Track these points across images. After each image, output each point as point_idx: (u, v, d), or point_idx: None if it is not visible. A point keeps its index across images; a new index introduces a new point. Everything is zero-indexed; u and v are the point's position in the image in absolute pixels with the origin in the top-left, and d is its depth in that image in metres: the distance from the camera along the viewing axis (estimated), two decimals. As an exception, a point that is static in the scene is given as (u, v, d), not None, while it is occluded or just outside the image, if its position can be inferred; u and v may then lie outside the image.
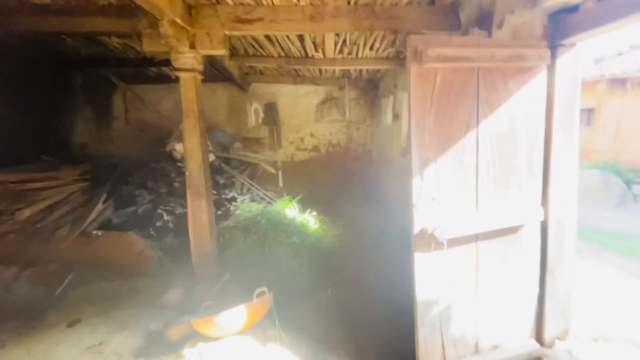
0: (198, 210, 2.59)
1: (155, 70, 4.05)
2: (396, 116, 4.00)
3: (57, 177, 3.31)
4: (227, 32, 2.44)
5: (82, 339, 2.05)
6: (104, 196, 3.48)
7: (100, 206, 3.35)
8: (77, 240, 3.00)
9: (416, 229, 1.51)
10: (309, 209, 3.74)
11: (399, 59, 3.55)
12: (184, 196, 3.74)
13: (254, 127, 5.03)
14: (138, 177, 3.88)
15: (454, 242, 1.54)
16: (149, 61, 3.61)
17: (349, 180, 5.05)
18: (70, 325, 2.27)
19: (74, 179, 3.48)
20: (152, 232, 3.48)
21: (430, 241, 1.51)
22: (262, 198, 3.94)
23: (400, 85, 3.79)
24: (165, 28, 2.15)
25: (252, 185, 4.24)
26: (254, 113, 5.00)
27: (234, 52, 3.54)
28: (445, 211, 1.54)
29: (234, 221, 3.23)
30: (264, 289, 2.02)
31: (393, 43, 3.14)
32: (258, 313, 1.95)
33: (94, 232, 3.07)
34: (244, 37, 3.03)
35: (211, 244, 2.65)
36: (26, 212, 2.87)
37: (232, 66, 3.91)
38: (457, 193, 1.57)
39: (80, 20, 2.40)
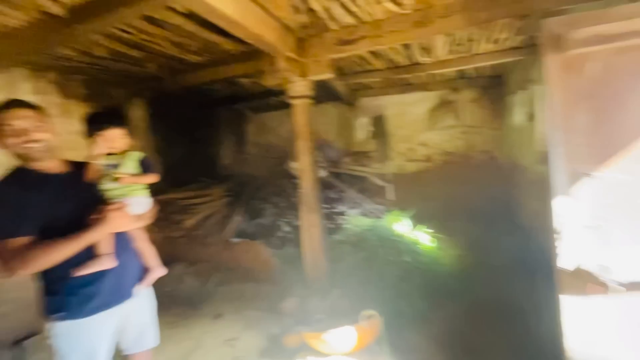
0: (310, 224, 2.76)
1: (276, 99, 4.65)
2: (530, 116, 3.30)
3: (210, 194, 4.16)
4: (333, 56, 2.56)
5: (221, 333, 2.45)
6: (240, 209, 4.16)
7: (237, 217, 4.02)
8: (221, 245, 3.67)
9: (565, 264, 1.16)
10: (423, 225, 3.46)
11: (531, 46, 2.94)
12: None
13: (363, 141, 5.09)
14: (264, 192, 4.48)
15: (632, 287, 1.11)
16: (270, 92, 4.17)
17: (469, 193, 4.44)
18: (215, 317, 2.76)
19: (220, 195, 4.29)
20: (274, 242, 3.93)
21: (587, 282, 1.14)
22: (371, 212, 3.91)
23: (535, 78, 3.11)
24: (280, 63, 2.42)
25: (361, 199, 4.27)
26: (362, 127, 5.07)
27: (341, 72, 3.70)
28: (612, 243, 1.14)
29: (344, 235, 3.30)
30: (373, 312, 1.95)
31: (521, 30, 2.63)
32: (367, 337, 1.89)
33: (233, 239, 3.69)
34: (348, 56, 3.12)
35: (322, 257, 2.77)
36: (190, 222, 3.71)
37: (339, 85, 4.09)
38: (634, 219, 1.13)
39: (223, 69, 2.98)
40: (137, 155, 1.48)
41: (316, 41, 2.51)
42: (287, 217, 4.20)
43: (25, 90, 2.69)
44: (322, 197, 3.15)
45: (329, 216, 4.01)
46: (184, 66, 3.08)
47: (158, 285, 1.71)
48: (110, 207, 1.24)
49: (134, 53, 2.53)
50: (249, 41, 2.06)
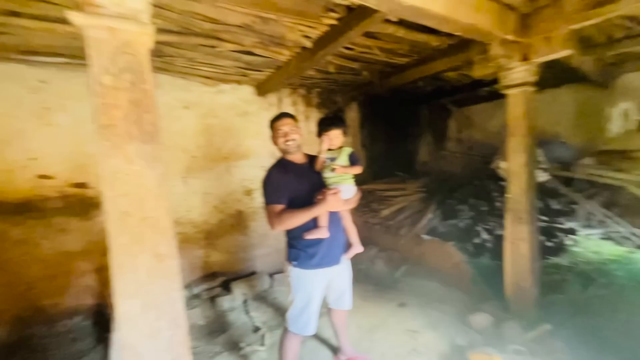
0: (517, 237, 2.33)
1: (485, 91, 4.13)
2: None
3: (405, 188, 4.34)
4: (575, 26, 1.98)
5: (404, 321, 2.57)
6: (433, 207, 4.08)
7: (430, 215, 3.98)
8: (412, 239, 3.78)
9: None
10: None
11: None
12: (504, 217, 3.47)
13: (620, 136, 3.61)
14: (462, 192, 4.14)
15: None
16: (478, 84, 3.75)
17: None
18: (400, 305, 2.92)
19: (415, 190, 4.38)
20: (468, 248, 3.59)
21: None
22: (623, 237, 2.74)
23: None
24: (495, 50, 2.15)
25: (607, 217, 3.08)
26: (622, 116, 3.58)
27: (588, 44, 2.78)
28: None
29: (569, 260, 2.53)
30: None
31: None
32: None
33: (423, 236, 3.71)
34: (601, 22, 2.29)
35: (530, 280, 2.28)
36: (385, 212, 4.06)
37: (585, 62, 3.08)
38: None
39: (429, 66, 3.00)
40: (348, 150, 1.82)
41: (549, 13, 2.03)
42: (487, 223, 3.70)
43: (286, 103, 3.85)
44: (539, 207, 2.55)
45: (548, 231, 3.18)
46: (392, 69, 3.35)
47: (355, 261, 2.04)
48: (329, 191, 1.61)
49: (354, 65, 3.02)
50: (459, 34, 1.97)
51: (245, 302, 3.13)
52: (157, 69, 2.86)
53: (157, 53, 2.48)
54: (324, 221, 1.67)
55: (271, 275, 3.49)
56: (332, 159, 1.79)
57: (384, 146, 5.14)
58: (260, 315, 2.89)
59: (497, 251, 3.30)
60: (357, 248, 1.93)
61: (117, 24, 0.85)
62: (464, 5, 1.81)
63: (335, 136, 1.80)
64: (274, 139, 1.82)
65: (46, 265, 2.65)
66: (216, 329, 2.72)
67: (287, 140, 1.76)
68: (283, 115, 1.86)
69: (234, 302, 3.07)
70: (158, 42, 2.25)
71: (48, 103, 2.62)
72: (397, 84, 3.65)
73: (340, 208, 1.70)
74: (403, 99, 5.05)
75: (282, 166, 1.77)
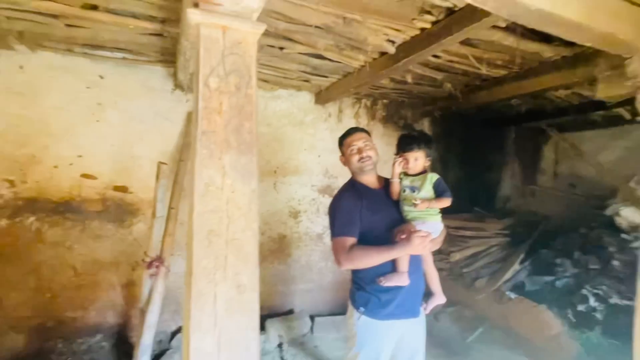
0: (656, 313, 2.04)
1: (602, 114, 3.84)
2: None
3: (483, 228, 4.11)
4: None
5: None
6: (521, 256, 3.79)
7: (516, 266, 3.69)
8: (492, 295, 3.52)
9: None
10: None
11: None
12: (625, 281, 3.13)
13: None
14: (561, 242, 3.82)
15: None
16: (595, 105, 3.50)
17: None
18: (477, 380, 2.68)
19: (496, 233, 4.12)
20: (568, 316, 3.24)
21: None
22: None
23: None
24: (636, 66, 2.00)
25: None
26: None
27: None
28: None
29: None
30: None
31: None
32: None
33: (508, 292, 3.43)
34: None
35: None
36: (457, 256, 3.85)
37: None
38: None
39: (534, 81, 2.87)
40: (433, 178, 1.75)
41: None
42: (599, 286, 3.33)
43: (347, 115, 3.91)
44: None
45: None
46: (481, 82, 3.26)
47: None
48: (415, 232, 1.55)
49: (438, 75, 3.00)
50: (589, 44, 1.87)
51: (280, 345, 3.09)
52: (215, 69, 3.07)
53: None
54: (404, 266, 1.61)
55: (312, 317, 3.42)
56: (413, 189, 1.74)
57: (458, 174, 4.96)
58: (298, 366, 2.83)
59: (612, 326, 2.94)
60: (439, 298, 1.83)
61: (232, 23, 0.92)
62: (602, 11, 1.71)
63: (415, 159, 1.76)
64: (346, 157, 1.82)
65: (75, 272, 2.85)
66: (246, 374, 2.70)
67: (361, 158, 1.76)
68: (355, 129, 1.88)
69: (267, 343, 3.05)
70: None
71: (101, 99, 2.92)
72: (484, 100, 3.55)
73: (426, 251, 1.62)
74: (486, 119, 4.88)
75: (354, 190, 1.76)
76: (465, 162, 5.07)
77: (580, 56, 2.48)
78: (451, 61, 2.71)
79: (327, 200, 3.80)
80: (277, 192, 3.60)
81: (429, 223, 1.65)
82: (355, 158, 1.76)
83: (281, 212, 3.63)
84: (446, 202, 1.69)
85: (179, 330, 3.06)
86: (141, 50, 2.76)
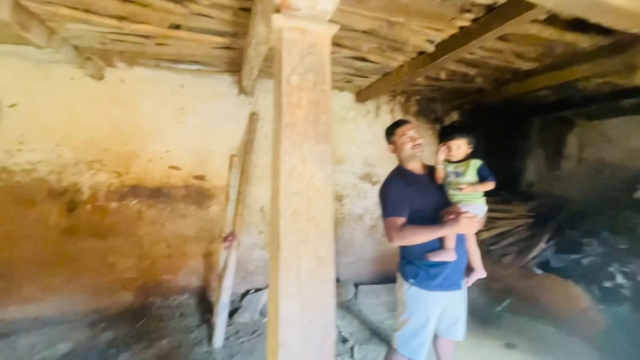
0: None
1: (632, 102, 3.38)
2: None
3: (509, 210, 3.83)
4: None
5: (520, 367, 2.20)
6: (546, 236, 3.49)
7: (542, 245, 3.41)
8: (518, 270, 3.29)
9: None
10: None
11: None
12: (658, 262, 2.78)
13: None
14: (589, 223, 3.46)
15: None
16: (624, 93, 3.10)
17: None
18: (507, 347, 2.54)
19: (521, 214, 3.83)
20: (594, 291, 2.95)
21: None
22: None
23: None
24: (683, 51, 1.71)
25: None
26: None
27: None
28: None
29: None
30: None
31: None
32: None
33: (535, 269, 3.18)
34: None
35: None
36: (484, 235, 3.62)
37: None
38: None
39: (563, 73, 2.58)
40: (477, 164, 1.63)
41: None
42: (626, 264, 2.99)
43: (383, 111, 3.77)
44: None
45: None
46: (511, 76, 2.98)
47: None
48: (463, 213, 1.44)
49: (470, 71, 2.77)
50: (637, 30, 1.61)
51: (329, 308, 3.11)
52: (271, 75, 3.06)
53: (270, 58, 2.64)
54: (451, 243, 1.52)
55: (356, 285, 3.40)
56: (457, 174, 1.62)
57: (487, 161, 4.65)
58: (346, 326, 2.82)
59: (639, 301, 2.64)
60: (480, 273, 1.71)
61: (309, 25, 0.87)
62: (652, -4, 1.46)
63: (457, 147, 1.64)
64: (397, 145, 1.73)
65: (167, 244, 3.03)
66: (304, 330, 2.74)
67: (414, 146, 1.66)
68: (406, 120, 1.78)
69: (319, 306, 3.07)
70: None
71: (183, 104, 3.02)
72: (513, 92, 3.25)
73: (472, 231, 1.52)
74: (513, 110, 4.50)
75: (402, 176, 1.67)
76: (491, 151, 4.69)
77: (618, 44, 2.17)
78: (485, 56, 2.49)
79: (367, 186, 3.72)
80: (324, 179, 3.57)
81: (474, 205, 1.54)
82: (409, 145, 1.67)
83: (328, 196, 3.60)
84: (490, 185, 1.56)
85: (247, 292, 3.16)
86: (213, 62, 2.81)
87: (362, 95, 3.53)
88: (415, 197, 1.58)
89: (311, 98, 0.90)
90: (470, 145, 1.69)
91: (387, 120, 3.77)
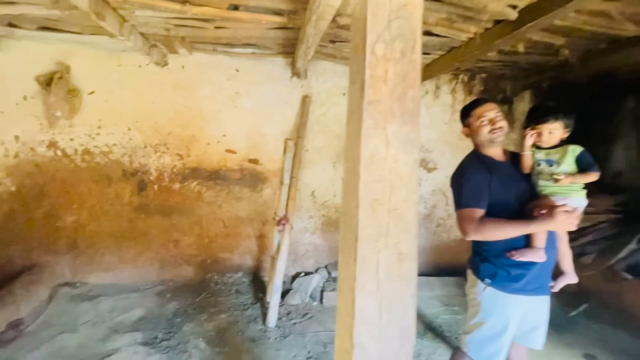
0: None
1: None
2: None
3: (591, 204, 3.32)
4: None
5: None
6: (638, 236, 2.98)
7: (632, 246, 2.92)
8: (600, 272, 2.87)
9: None
10: None
11: None
12: None
13: None
14: (699, 223, 2.88)
15: None
16: None
17: None
18: (587, 358, 2.24)
19: (607, 209, 3.31)
20: None
21: None
22: None
23: None
24: None
25: None
26: None
27: None
28: None
29: None
30: None
31: None
32: None
33: (623, 272, 2.75)
34: None
35: None
36: (558, 230, 3.20)
37: None
38: None
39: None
40: (576, 151, 1.37)
41: None
42: None
43: (444, 91, 3.44)
44: None
45: None
46: (608, 45, 2.49)
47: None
48: (560, 206, 1.22)
49: (556, 41, 2.37)
50: None
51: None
52: (326, 56, 2.94)
53: (333, 38, 2.50)
54: (541, 241, 1.31)
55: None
56: (550, 162, 1.38)
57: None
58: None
59: None
60: (571, 278, 1.48)
61: (399, -19, 0.73)
62: None
63: (549, 132, 1.38)
64: (473, 128, 1.51)
65: (224, 225, 3.16)
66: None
67: (494, 129, 1.44)
68: (485, 100, 1.54)
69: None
70: (340, 27, 2.24)
71: (237, 88, 3.05)
72: (605, 66, 2.75)
73: (570, 228, 1.29)
74: (600, 87, 3.84)
75: (480, 162, 1.47)
76: (572, 135, 4.13)
77: None
78: (580, 22, 2.08)
79: (422, 173, 3.48)
80: (376, 164, 3.41)
81: (572, 199, 1.30)
82: (487, 129, 1.45)
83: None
84: (594, 176, 1.31)
85: (297, 275, 3.20)
86: (267, 44, 2.76)
87: (422, 74, 3.25)
88: (496, 187, 1.38)
89: (398, 70, 0.77)
90: (567, 130, 1.42)
91: (448, 101, 3.46)
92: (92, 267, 2.94)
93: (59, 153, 2.81)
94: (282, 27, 2.33)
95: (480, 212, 1.35)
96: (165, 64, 2.89)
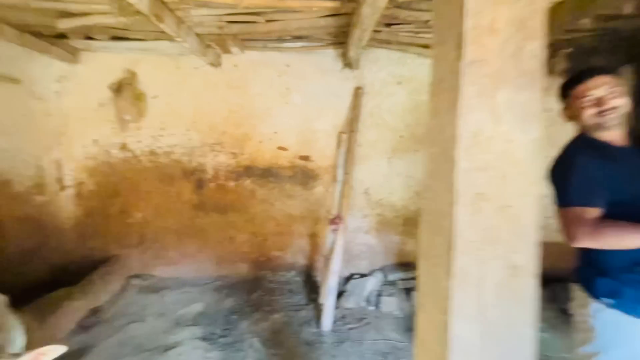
0: None
1: None
2: None
3: None
4: None
5: None
6: None
7: None
8: None
9: None
10: None
11: None
12: None
13: None
14: None
15: None
16: None
17: None
18: None
19: None
20: None
21: None
22: None
23: None
24: None
25: None
26: None
27: None
28: None
29: None
30: None
31: None
32: None
33: None
34: None
35: None
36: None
37: None
38: None
39: None
40: None
41: None
42: None
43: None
44: None
45: None
46: None
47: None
48: None
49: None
50: None
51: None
52: (380, 42, 2.72)
53: (390, 20, 2.29)
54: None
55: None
56: None
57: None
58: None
59: None
60: None
61: None
62: None
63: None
64: (574, 109, 1.20)
65: (276, 223, 3.13)
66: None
67: (601, 112, 1.11)
68: (590, 72, 1.18)
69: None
70: (397, 5, 2.03)
71: (288, 84, 2.98)
72: None
73: None
74: None
75: (591, 148, 1.14)
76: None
77: None
78: None
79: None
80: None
81: None
82: (590, 112, 1.13)
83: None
84: None
85: (351, 277, 3.04)
86: (318, 35, 2.64)
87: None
88: (615, 181, 1.07)
89: (511, 17, 0.56)
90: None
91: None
92: (158, 261, 3.12)
93: (129, 154, 3.03)
94: (334, 14, 2.19)
95: (595, 211, 1.05)
96: (219, 64, 2.94)
